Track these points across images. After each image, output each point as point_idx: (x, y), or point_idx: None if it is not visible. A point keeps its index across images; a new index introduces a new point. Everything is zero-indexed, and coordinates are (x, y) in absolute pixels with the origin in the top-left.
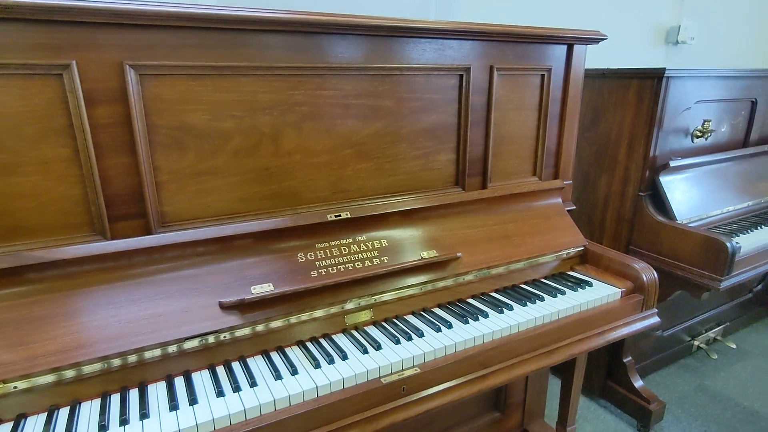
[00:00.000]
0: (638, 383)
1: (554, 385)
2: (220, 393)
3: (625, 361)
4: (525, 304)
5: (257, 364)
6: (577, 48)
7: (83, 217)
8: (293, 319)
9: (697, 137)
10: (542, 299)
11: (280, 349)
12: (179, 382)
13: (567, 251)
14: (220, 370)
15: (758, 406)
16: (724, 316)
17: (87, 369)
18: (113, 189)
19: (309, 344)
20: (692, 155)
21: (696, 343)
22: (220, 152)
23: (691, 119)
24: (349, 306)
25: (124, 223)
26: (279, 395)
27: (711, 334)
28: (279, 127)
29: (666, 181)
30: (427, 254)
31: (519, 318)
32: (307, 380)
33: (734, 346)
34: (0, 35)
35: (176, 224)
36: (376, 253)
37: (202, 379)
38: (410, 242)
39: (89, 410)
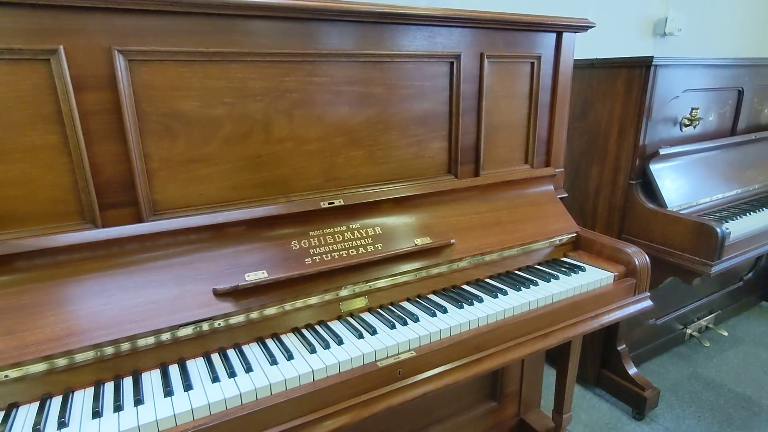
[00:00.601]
0: (632, 371)
1: (549, 375)
2: (215, 378)
3: (619, 349)
4: (519, 289)
5: (252, 350)
6: (566, 36)
7: (73, 205)
8: (288, 306)
9: (686, 126)
10: (536, 284)
11: (276, 336)
12: (174, 370)
13: (560, 238)
14: (215, 358)
15: (750, 392)
16: (716, 304)
17: (79, 357)
18: (103, 177)
19: (304, 331)
20: (681, 144)
21: (688, 331)
22: (211, 139)
23: (679, 108)
24: (343, 293)
25: (115, 211)
26: (275, 379)
27: (703, 322)
28: (270, 114)
29: (656, 168)
30: (421, 241)
31: (513, 302)
32: (302, 364)
33: (726, 334)
34: None
35: (168, 212)
36: (369, 240)
37: (197, 366)
38: (404, 229)
39: (83, 398)
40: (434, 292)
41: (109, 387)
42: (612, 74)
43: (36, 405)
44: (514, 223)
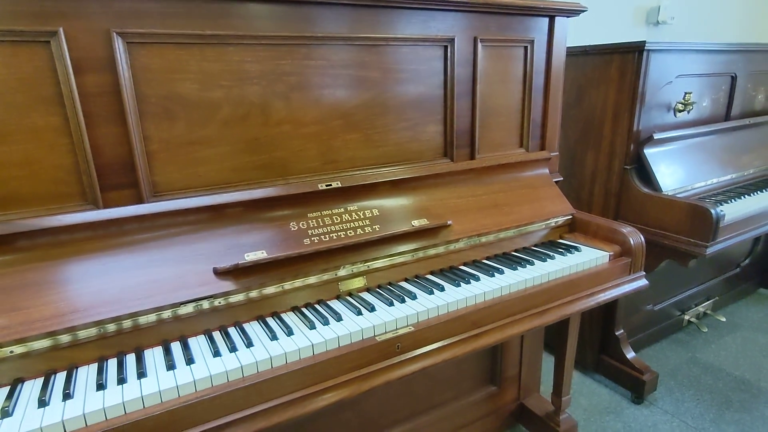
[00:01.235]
0: (630, 355)
1: (549, 362)
2: (216, 353)
3: (617, 333)
4: (515, 268)
5: (253, 328)
6: (558, 20)
7: (75, 186)
8: (287, 285)
9: (680, 111)
10: (532, 263)
11: (276, 315)
12: (176, 346)
13: (555, 220)
14: (216, 335)
15: (749, 376)
16: (714, 290)
17: (82, 334)
18: (104, 158)
19: (304, 309)
20: (676, 129)
21: (686, 317)
22: (209, 122)
23: (673, 93)
24: (342, 273)
25: (116, 192)
26: (275, 353)
27: (701, 308)
28: (267, 97)
29: (650, 153)
30: (418, 222)
31: (509, 280)
32: (302, 339)
33: (724, 320)
34: None
35: (168, 194)
36: (367, 221)
37: (198, 342)
38: (401, 211)
39: (86, 373)
40: (432, 273)
41: (112, 362)
42: (605, 60)
43: (41, 380)
44: (510, 206)
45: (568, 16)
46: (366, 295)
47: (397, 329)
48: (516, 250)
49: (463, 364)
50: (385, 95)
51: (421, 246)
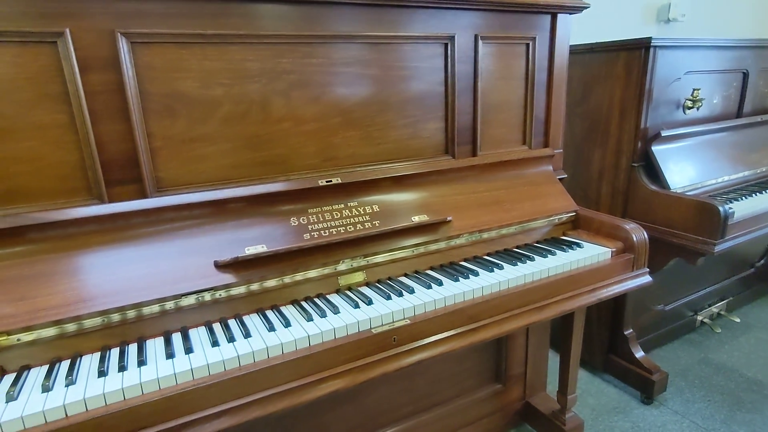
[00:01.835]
0: (639, 354)
1: (555, 361)
2: (215, 343)
3: (625, 333)
4: (515, 264)
5: (252, 320)
6: (561, 17)
7: (81, 182)
8: (287, 279)
9: (689, 108)
10: (532, 259)
11: (275, 308)
12: (176, 337)
13: (558, 216)
14: (216, 326)
15: (761, 377)
16: (727, 290)
17: (87, 323)
18: (109, 154)
19: (303, 303)
20: (685, 126)
21: (699, 318)
22: (210, 119)
23: (681, 90)
24: (341, 267)
25: (121, 187)
26: (271, 343)
27: (714, 309)
28: (267, 95)
29: (658, 150)
30: (418, 218)
31: (508, 275)
32: (299, 330)
33: (738, 320)
34: None
35: (171, 189)
36: (367, 217)
37: (198, 333)
38: (401, 207)
39: (90, 361)
40: (432, 268)
41: (115, 351)
42: (611, 58)
43: (46, 367)
44: (512, 202)
45: (570, 13)
46: (365, 290)
47: (393, 322)
48: (518, 247)
49: (467, 362)
50: (385, 93)
51: (421, 242)
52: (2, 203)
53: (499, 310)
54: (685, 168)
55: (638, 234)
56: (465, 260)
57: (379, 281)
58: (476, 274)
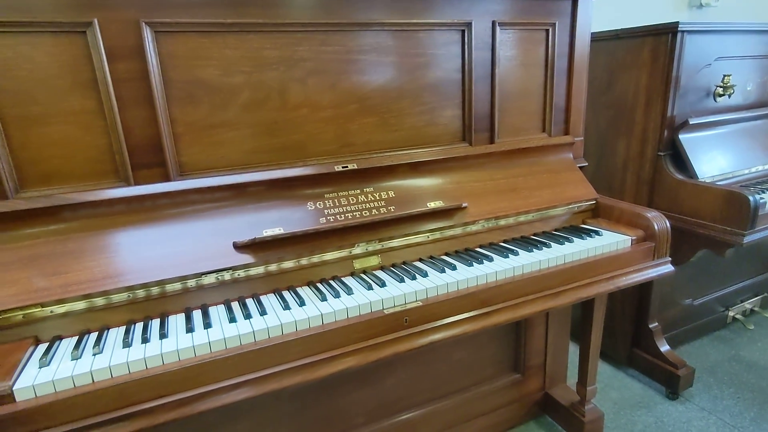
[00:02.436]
0: (664, 348)
1: (576, 354)
2: (232, 319)
3: (650, 326)
4: (531, 250)
5: (269, 300)
6: (581, 2)
7: (109, 165)
8: (304, 261)
9: (720, 96)
10: (549, 246)
11: (291, 288)
12: (197, 314)
13: (578, 204)
14: (234, 305)
15: None
16: (762, 286)
17: (114, 298)
18: (135, 139)
19: (318, 284)
20: (716, 114)
21: (731, 313)
22: (230, 106)
23: (712, 77)
24: (356, 251)
25: (146, 171)
26: (286, 320)
27: (747, 305)
28: (285, 82)
29: (686, 139)
30: (434, 204)
31: (523, 261)
32: (313, 309)
33: None
34: None
35: (193, 173)
36: (383, 202)
37: (217, 310)
38: (417, 193)
39: (116, 334)
40: (447, 254)
41: (139, 325)
42: (637, 44)
43: (75, 338)
44: (530, 190)
45: None
46: (379, 273)
47: (405, 303)
48: (535, 234)
49: (485, 350)
50: (401, 80)
51: (436, 227)
52: (39, 185)
53: (513, 296)
54: (714, 157)
55: (660, 222)
56: (481, 246)
57: (393, 265)
58: (491, 259)
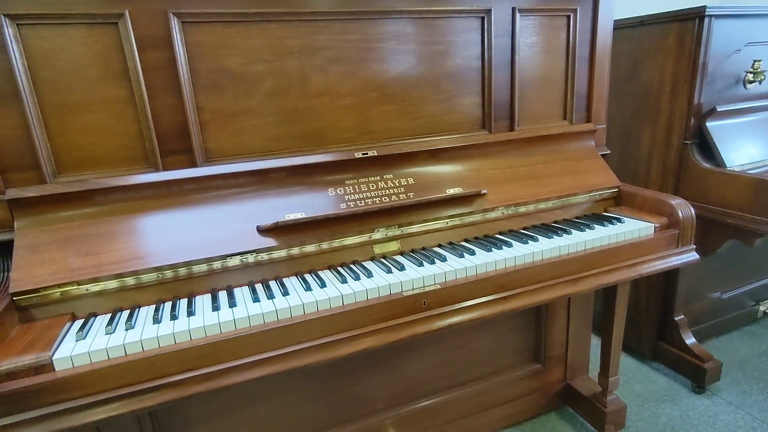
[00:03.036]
0: (690, 341)
1: (598, 347)
2: (256, 299)
3: (676, 319)
4: (550, 237)
5: (291, 282)
6: None
7: (139, 151)
8: (325, 245)
9: (750, 82)
10: (569, 233)
11: (313, 271)
12: (222, 294)
13: (599, 192)
14: (258, 286)
15: None
16: None
17: (144, 278)
18: (163, 126)
19: (339, 268)
20: (746, 102)
21: (762, 308)
22: (254, 94)
23: (741, 63)
24: (376, 236)
25: (174, 157)
26: (307, 300)
27: None
28: (306, 71)
29: (713, 126)
30: (453, 191)
31: (542, 247)
32: (333, 290)
33: None
34: None
35: (218, 159)
36: (402, 189)
37: (242, 291)
38: (436, 180)
39: (146, 312)
40: (466, 240)
41: (168, 304)
42: (663, 30)
43: (109, 315)
44: (550, 177)
45: None
46: (399, 258)
47: (423, 286)
48: (556, 222)
49: (505, 340)
50: (420, 68)
51: (455, 214)
52: (74, 170)
53: (531, 281)
54: (743, 145)
55: (684, 209)
56: (500, 233)
57: (413, 250)
58: (509, 245)
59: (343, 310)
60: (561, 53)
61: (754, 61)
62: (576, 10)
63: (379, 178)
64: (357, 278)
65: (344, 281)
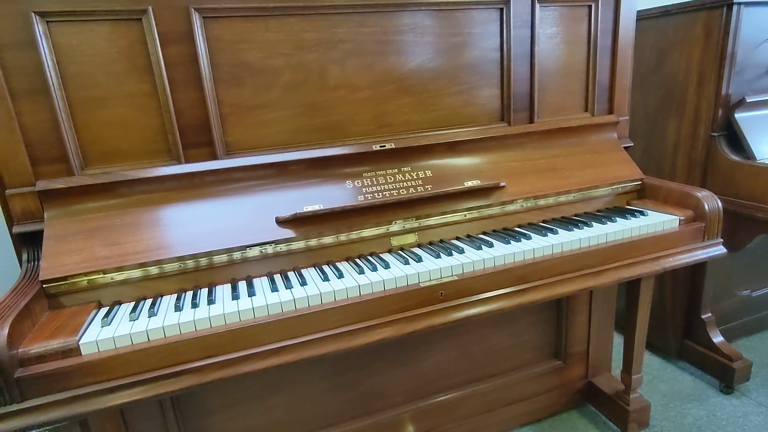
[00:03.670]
0: (718, 339)
1: (621, 346)
2: (274, 289)
3: (703, 317)
4: (571, 230)
5: (309, 272)
6: None
7: (162, 144)
8: (343, 237)
9: None
10: (590, 225)
11: (331, 263)
12: (242, 284)
13: (622, 185)
14: (277, 277)
15: None
16: None
17: (167, 267)
18: (185, 120)
19: (357, 259)
20: None
21: None
22: (272, 87)
23: None
24: (394, 228)
25: (195, 150)
26: (325, 290)
27: None
28: (324, 64)
29: (742, 118)
30: (471, 183)
31: (562, 239)
32: (351, 281)
33: None
34: None
35: (238, 152)
36: (420, 181)
37: (261, 282)
38: (454, 173)
39: (168, 301)
40: (484, 233)
41: (189, 293)
42: (689, 19)
43: (133, 303)
44: (571, 170)
45: None
46: (416, 250)
47: (441, 278)
48: (576, 215)
49: (524, 335)
50: (438, 60)
51: (473, 206)
52: (100, 163)
53: (551, 273)
54: None
55: (710, 201)
56: (519, 226)
57: (430, 243)
58: (528, 237)
59: (360, 301)
60: (582, 44)
61: None
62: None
63: (396, 170)
64: (374, 269)
65: (361, 272)
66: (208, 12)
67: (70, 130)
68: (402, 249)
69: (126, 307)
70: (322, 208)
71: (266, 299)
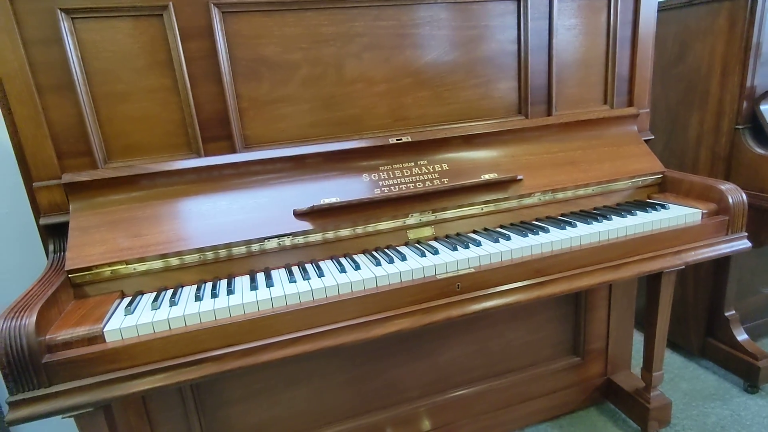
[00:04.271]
0: (742, 337)
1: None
2: (292, 280)
3: (727, 315)
4: (590, 223)
5: (326, 264)
6: None
7: (182, 138)
8: (359, 230)
9: None
10: (609, 219)
11: (348, 255)
12: (260, 276)
13: (642, 178)
14: (294, 268)
15: None
16: None
17: (187, 258)
18: (205, 114)
19: (374, 252)
20: None
21: None
22: (290, 81)
23: None
24: (410, 221)
25: (214, 144)
26: (342, 281)
27: None
28: (341, 58)
29: (767, 110)
30: (488, 176)
31: (581, 232)
32: (368, 273)
33: None
34: None
35: (256, 146)
36: (436, 174)
37: (279, 273)
38: (470, 166)
39: (189, 291)
40: (501, 226)
41: (209, 284)
42: (712, 10)
43: (154, 293)
44: (590, 163)
45: None
46: (433, 243)
47: (458, 270)
48: (595, 208)
49: (542, 331)
50: (455, 53)
51: (490, 199)
52: (122, 156)
53: (569, 266)
54: None
55: (735, 194)
56: (537, 219)
57: (447, 236)
58: (546, 230)
59: (378, 292)
60: (601, 35)
61: None
62: None
63: (413, 163)
64: (391, 261)
65: (378, 264)
66: (227, 7)
67: (94, 124)
68: (418, 242)
69: (148, 297)
70: (339, 200)
71: (284, 290)
